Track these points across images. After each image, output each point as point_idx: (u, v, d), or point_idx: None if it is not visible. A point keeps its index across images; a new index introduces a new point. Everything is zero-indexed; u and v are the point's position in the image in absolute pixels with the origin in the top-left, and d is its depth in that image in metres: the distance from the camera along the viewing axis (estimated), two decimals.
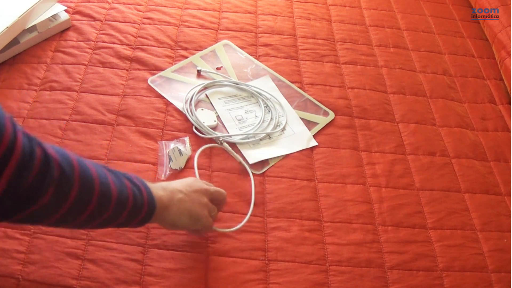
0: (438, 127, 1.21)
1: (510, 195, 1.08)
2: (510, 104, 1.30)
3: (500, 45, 1.40)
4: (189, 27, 1.37)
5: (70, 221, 0.67)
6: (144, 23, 1.36)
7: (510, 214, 1.04)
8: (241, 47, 1.34)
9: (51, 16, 1.26)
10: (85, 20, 1.33)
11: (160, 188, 0.78)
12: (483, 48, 1.48)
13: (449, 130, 1.20)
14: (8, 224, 0.89)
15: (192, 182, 0.85)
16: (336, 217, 0.98)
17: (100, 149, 1.03)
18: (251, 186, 1.00)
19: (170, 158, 1.01)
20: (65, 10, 1.31)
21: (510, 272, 0.94)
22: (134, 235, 0.89)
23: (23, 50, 1.21)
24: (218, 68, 1.26)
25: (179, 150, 1.02)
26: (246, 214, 0.95)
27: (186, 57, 1.28)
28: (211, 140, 1.09)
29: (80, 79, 1.17)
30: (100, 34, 1.30)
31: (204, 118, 1.11)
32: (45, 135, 1.04)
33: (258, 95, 1.20)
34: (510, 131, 1.22)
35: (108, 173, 0.69)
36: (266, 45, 1.36)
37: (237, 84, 1.22)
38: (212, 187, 0.88)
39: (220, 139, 1.07)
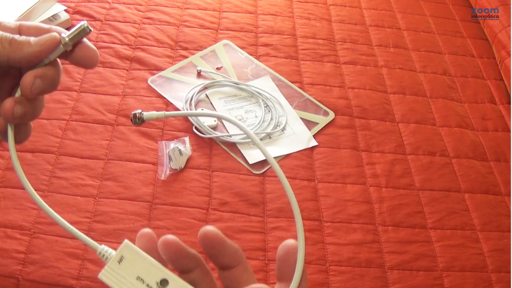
0: (438, 127, 1.21)
1: (510, 195, 1.08)
2: (510, 104, 1.30)
3: (500, 45, 1.40)
4: (189, 27, 1.37)
5: None
6: (144, 23, 1.36)
7: (510, 214, 1.04)
8: (241, 47, 1.33)
9: (51, 16, 1.26)
10: (85, 20, 1.33)
11: None
12: (483, 48, 1.48)
13: (449, 130, 1.20)
14: (8, 224, 0.89)
15: None
16: (336, 217, 0.98)
17: (100, 149, 1.03)
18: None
19: (170, 158, 1.01)
20: (65, 10, 1.30)
21: (510, 272, 0.94)
22: (134, 235, 0.89)
23: None
24: (218, 68, 1.26)
25: (179, 150, 1.02)
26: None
27: (186, 57, 1.27)
28: (211, 140, 1.09)
29: (80, 79, 1.17)
30: (100, 34, 1.29)
31: (204, 118, 1.11)
32: (45, 135, 1.03)
33: (258, 95, 1.20)
34: (510, 131, 1.22)
35: None
36: (266, 45, 1.36)
37: (237, 84, 1.22)
38: None
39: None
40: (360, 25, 1.49)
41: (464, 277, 0.93)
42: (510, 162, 1.15)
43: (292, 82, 1.26)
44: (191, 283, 0.33)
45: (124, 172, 0.99)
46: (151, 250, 0.34)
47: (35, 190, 0.36)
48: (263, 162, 1.06)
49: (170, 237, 0.33)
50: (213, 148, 1.07)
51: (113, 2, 1.41)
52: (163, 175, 1.00)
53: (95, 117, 1.09)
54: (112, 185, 0.97)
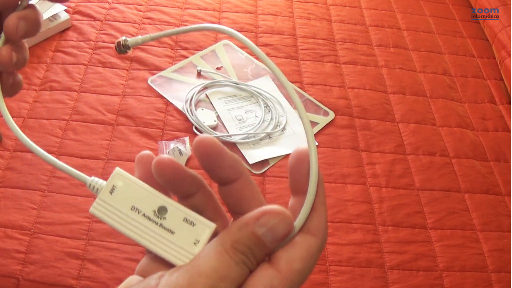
0: (438, 127, 1.21)
1: (510, 195, 1.08)
2: (510, 104, 1.30)
3: (500, 45, 1.40)
4: None
5: None
6: (144, 23, 1.36)
7: (510, 214, 1.04)
8: (241, 47, 1.33)
9: (51, 16, 1.26)
10: (85, 20, 1.33)
11: None
12: (483, 48, 1.48)
13: (449, 130, 1.20)
14: (8, 224, 0.89)
15: None
16: (336, 217, 0.98)
17: (100, 149, 1.03)
18: None
19: None
20: (65, 10, 1.30)
21: (510, 272, 0.94)
22: None
23: None
24: (218, 68, 1.26)
25: (179, 150, 1.02)
26: None
27: (186, 57, 1.27)
28: None
29: (80, 79, 1.17)
30: (100, 34, 1.29)
31: (204, 118, 1.11)
32: (45, 135, 1.04)
33: (258, 95, 1.20)
34: (510, 131, 1.22)
35: None
36: (266, 45, 1.36)
37: (237, 84, 1.22)
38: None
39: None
40: (360, 25, 1.49)
41: (464, 277, 0.93)
42: (510, 162, 1.15)
43: (292, 82, 1.26)
44: (193, 209, 0.29)
45: None
46: (152, 176, 0.29)
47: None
48: (263, 162, 1.06)
49: (164, 157, 0.28)
50: None
51: (113, 2, 1.41)
52: None
53: (95, 117, 1.09)
54: None
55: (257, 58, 1.30)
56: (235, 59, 1.30)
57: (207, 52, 1.30)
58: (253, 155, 1.07)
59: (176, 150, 1.02)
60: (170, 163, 0.28)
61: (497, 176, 1.12)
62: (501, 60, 1.38)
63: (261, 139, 1.11)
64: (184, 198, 0.29)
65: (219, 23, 1.40)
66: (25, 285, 0.82)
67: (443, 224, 1.01)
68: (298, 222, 0.28)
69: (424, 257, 0.94)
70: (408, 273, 0.92)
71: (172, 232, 0.28)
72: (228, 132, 1.11)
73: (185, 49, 1.30)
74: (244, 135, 1.10)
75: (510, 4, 1.46)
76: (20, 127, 1.04)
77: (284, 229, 0.27)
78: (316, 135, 1.14)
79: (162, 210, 0.29)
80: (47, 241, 0.86)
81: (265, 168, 1.05)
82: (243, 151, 1.07)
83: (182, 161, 1.02)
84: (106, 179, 0.30)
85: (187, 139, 1.06)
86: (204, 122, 1.10)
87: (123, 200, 0.29)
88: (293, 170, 0.30)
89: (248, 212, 0.27)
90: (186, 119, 1.12)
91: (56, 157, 1.00)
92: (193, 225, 0.29)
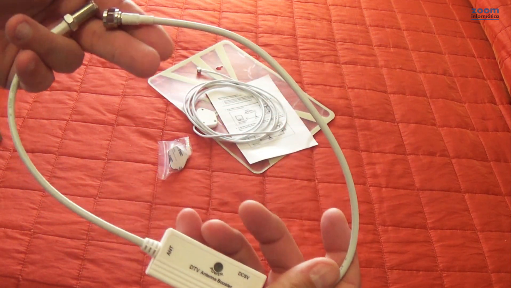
0: (438, 127, 1.21)
1: (510, 195, 1.08)
2: (510, 104, 1.30)
3: (500, 45, 1.40)
4: None
5: None
6: None
7: (510, 214, 1.04)
8: (241, 47, 1.33)
9: None
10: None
11: None
12: (483, 48, 1.48)
13: (449, 130, 1.20)
14: (8, 224, 0.89)
15: None
16: None
17: (100, 149, 1.03)
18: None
19: (170, 158, 1.01)
20: None
21: (510, 272, 0.94)
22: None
23: None
24: (218, 68, 1.26)
25: (179, 150, 1.02)
26: None
27: (186, 57, 1.27)
28: (211, 140, 1.09)
29: (80, 79, 1.17)
30: None
31: (204, 118, 1.11)
32: (45, 135, 1.04)
33: (258, 95, 1.20)
34: (510, 131, 1.22)
35: None
36: (266, 45, 1.36)
37: (237, 84, 1.22)
38: None
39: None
40: (360, 25, 1.49)
41: (464, 277, 0.93)
42: (510, 162, 1.15)
43: None
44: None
45: (124, 172, 0.99)
46: (194, 231, 0.32)
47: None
48: (263, 162, 1.06)
49: (215, 222, 0.31)
50: (213, 148, 1.07)
51: None
52: (163, 175, 1.00)
53: (95, 117, 1.09)
54: (112, 185, 0.97)
55: (257, 55, 1.30)
56: (235, 59, 1.30)
57: (207, 52, 1.30)
58: (253, 155, 1.07)
59: (176, 150, 1.02)
60: (220, 227, 0.31)
61: (497, 176, 1.12)
62: (501, 60, 1.38)
63: (261, 139, 1.11)
64: (230, 254, 0.32)
65: (219, 23, 1.41)
66: (25, 285, 0.82)
67: (443, 224, 1.01)
68: (341, 273, 0.32)
69: (424, 257, 0.95)
70: (408, 273, 0.92)
71: (229, 286, 0.31)
72: (228, 132, 1.11)
73: (185, 49, 1.30)
74: (244, 135, 1.10)
75: (510, 4, 1.46)
76: (20, 127, 1.04)
77: (332, 277, 0.31)
78: (316, 135, 1.14)
79: (218, 267, 0.31)
80: (47, 241, 0.87)
81: (265, 168, 1.05)
82: (243, 151, 1.07)
83: (182, 161, 1.02)
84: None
85: (187, 139, 1.06)
86: (204, 122, 1.10)
87: (181, 259, 0.31)
88: (328, 232, 0.34)
89: (288, 266, 0.32)
90: (186, 119, 1.12)
91: (56, 157, 1.00)
92: (247, 278, 0.31)
